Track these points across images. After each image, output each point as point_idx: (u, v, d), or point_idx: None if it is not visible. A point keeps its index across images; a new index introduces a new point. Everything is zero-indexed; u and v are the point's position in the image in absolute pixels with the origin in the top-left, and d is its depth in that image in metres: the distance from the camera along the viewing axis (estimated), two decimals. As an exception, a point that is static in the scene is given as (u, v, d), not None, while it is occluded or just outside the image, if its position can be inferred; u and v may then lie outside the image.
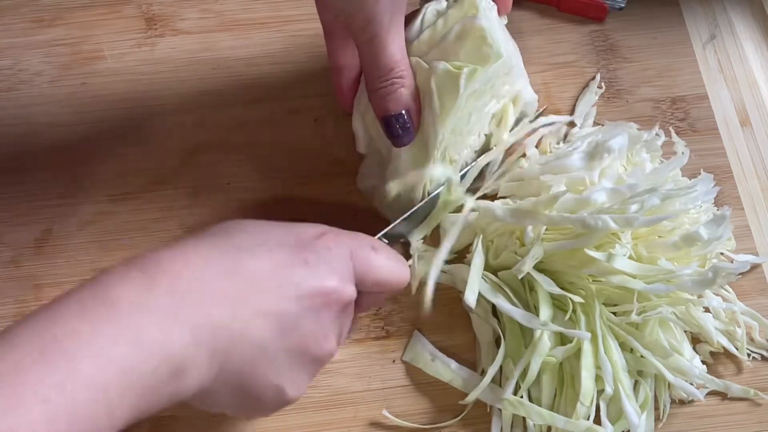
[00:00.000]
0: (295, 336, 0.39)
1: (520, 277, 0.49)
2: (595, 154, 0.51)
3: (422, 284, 0.48)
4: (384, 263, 0.43)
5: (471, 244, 0.52)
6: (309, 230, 0.41)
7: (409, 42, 0.49)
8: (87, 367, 0.32)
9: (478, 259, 0.49)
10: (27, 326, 0.33)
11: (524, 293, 0.51)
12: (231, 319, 0.37)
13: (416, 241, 0.53)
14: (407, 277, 0.45)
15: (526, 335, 0.50)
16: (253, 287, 0.38)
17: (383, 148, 0.52)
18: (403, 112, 0.48)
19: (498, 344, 0.51)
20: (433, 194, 0.51)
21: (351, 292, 0.41)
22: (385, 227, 0.51)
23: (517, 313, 0.48)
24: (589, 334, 0.47)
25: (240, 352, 0.37)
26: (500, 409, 0.50)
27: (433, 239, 0.54)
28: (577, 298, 0.48)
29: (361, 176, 0.55)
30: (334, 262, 0.40)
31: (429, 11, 0.50)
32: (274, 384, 0.39)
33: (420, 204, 0.51)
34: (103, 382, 0.32)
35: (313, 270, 0.39)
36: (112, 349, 0.33)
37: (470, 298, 0.48)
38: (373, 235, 0.47)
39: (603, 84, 0.60)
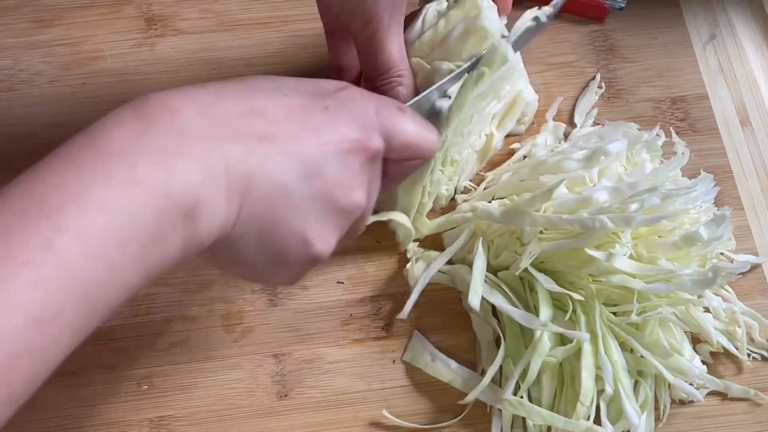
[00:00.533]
0: (320, 181, 0.36)
1: (516, 273, 0.49)
2: (592, 158, 0.51)
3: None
4: (411, 125, 0.41)
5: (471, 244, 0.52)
6: (331, 83, 0.39)
7: (410, 43, 0.49)
8: (75, 219, 0.29)
9: (480, 261, 0.49)
10: (13, 186, 0.30)
11: (524, 293, 0.51)
12: (247, 155, 0.33)
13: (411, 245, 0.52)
14: (436, 143, 0.42)
15: (526, 335, 0.50)
16: (271, 127, 0.35)
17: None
18: None
19: (498, 344, 0.51)
20: (466, 65, 0.48)
21: (377, 142, 0.38)
22: (386, 228, 0.52)
23: (516, 313, 0.48)
24: (588, 336, 0.47)
25: (260, 193, 0.34)
26: (500, 410, 0.49)
27: (431, 241, 0.54)
28: (576, 296, 0.48)
29: None
30: (357, 111, 0.38)
31: (430, 12, 0.50)
32: (299, 232, 0.36)
33: (451, 75, 0.48)
34: (97, 234, 0.29)
35: (333, 116, 0.37)
36: (104, 196, 0.30)
37: (474, 300, 0.48)
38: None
39: (603, 84, 0.60)
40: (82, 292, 0.29)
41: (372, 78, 0.47)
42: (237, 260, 0.37)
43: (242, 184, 0.34)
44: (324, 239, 0.38)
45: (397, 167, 0.42)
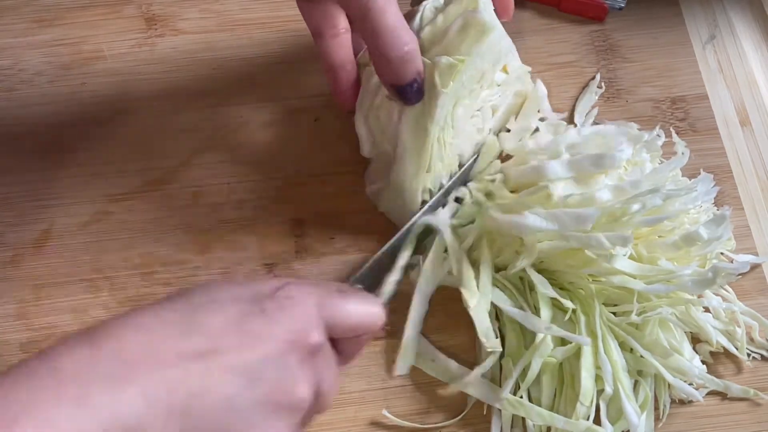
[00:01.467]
0: (262, 387, 0.37)
1: (511, 272, 0.49)
2: (599, 164, 0.50)
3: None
4: (353, 307, 0.41)
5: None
6: (269, 283, 0.40)
7: None
8: None
9: (486, 262, 0.49)
10: None
11: (525, 292, 0.51)
12: (187, 376, 0.35)
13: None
14: (381, 317, 0.43)
15: (527, 335, 0.50)
16: (209, 342, 0.36)
17: (390, 145, 0.52)
18: (416, 77, 0.47)
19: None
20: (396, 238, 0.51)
21: (316, 337, 0.39)
22: (388, 228, 0.52)
23: (520, 315, 0.48)
24: (589, 340, 0.47)
25: (202, 410, 0.36)
26: (500, 410, 0.49)
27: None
28: (569, 304, 0.48)
29: (367, 181, 0.55)
30: (294, 308, 0.39)
31: (427, 8, 0.50)
32: None
33: (382, 250, 0.50)
34: None
35: (271, 318, 0.38)
36: (57, 416, 0.32)
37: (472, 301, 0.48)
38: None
39: (603, 84, 0.60)
40: None
41: (379, 49, 0.46)
42: None
43: (183, 405, 0.35)
44: None
45: (349, 344, 0.43)
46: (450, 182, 0.53)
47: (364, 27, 0.46)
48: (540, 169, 0.50)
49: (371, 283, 0.48)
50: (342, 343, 0.42)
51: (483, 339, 0.48)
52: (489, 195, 0.53)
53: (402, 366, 0.50)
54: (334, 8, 0.50)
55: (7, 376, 0.33)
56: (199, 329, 0.37)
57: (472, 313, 0.49)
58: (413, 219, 0.51)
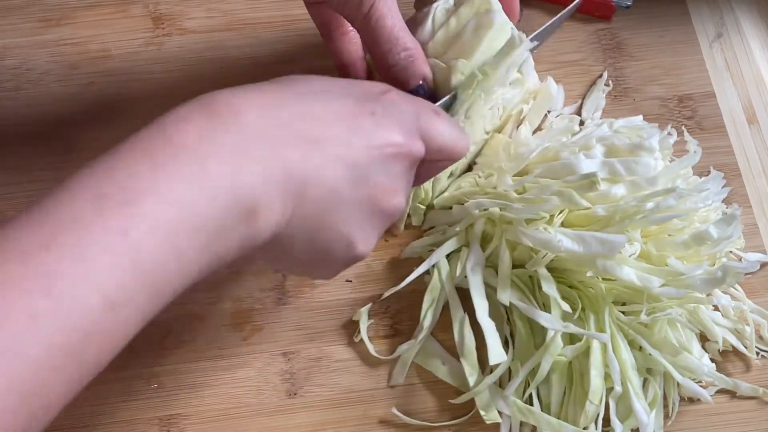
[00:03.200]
0: (367, 186, 0.38)
1: (532, 269, 0.49)
2: (636, 150, 0.50)
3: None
4: (447, 129, 0.42)
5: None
6: (375, 86, 0.41)
7: (423, 44, 0.49)
8: (150, 210, 0.31)
9: (506, 258, 0.49)
10: (88, 172, 0.32)
11: (534, 290, 0.51)
12: (303, 160, 0.35)
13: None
14: (468, 147, 0.44)
15: (536, 335, 0.50)
16: (324, 132, 0.37)
17: None
18: (421, 82, 0.47)
19: (506, 344, 0.51)
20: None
21: (419, 147, 0.40)
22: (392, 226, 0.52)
23: (535, 313, 0.48)
24: (608, 336, 0.47)
25: (313, 196, 0.36)
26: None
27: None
28: (567, 307, 0.48)
29: None
30: (401, 116, 0.39)
31: (438, 11, 0.50)
32: (345, 234, 0.38)
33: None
34: (168, 225, 0.31)
35: (380, 122, 0.38)
36: (177, 190, 0.32)
37: (503, 297, 0.49)
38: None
39: (610, 82, 0.60)
40: (151, 279, 0.31)
41: (382, 56, 0.47)
42: (284, 256, 0.39)
43: (297, 187, 0.35)
44: (366, 241, 0.40)
45: (428, 167, 0.43)
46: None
47: (365, 35, 0.46)
48: (572, 164, 0.49)
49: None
50: (422, 164, 0.42)
51: (490, 356, 0.48)
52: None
53: (397, 378, 0.51)
54: None
55: (125, 149, 0.33)
56: (314, 116, 0.37)
57: (479, 320, 0.49)
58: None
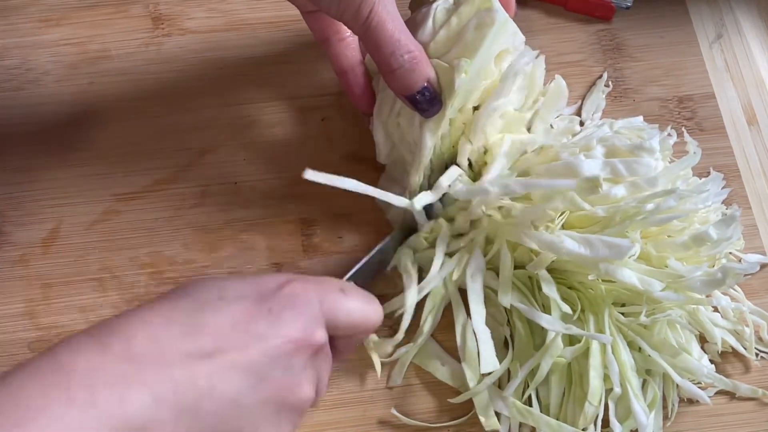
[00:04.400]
0: (267, 387, 0.37)
1: (533, 270, 0.49)
2: (637, 151, 0.50)
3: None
4: (354, 305, 0.42)
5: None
6: (272, 280, 0.40)
7: (424, 44, 0.49)
8: None
9: (507, 261, 0.49)
10: None
11: (534, 291, 0.51)
12: (194, 376, 0.35)
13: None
14: (380, 316, 0.44)
15: (536, 336, 0.50)
16: (216, 342, 0.36)
17: (407, 152, 0.52)
18: (426, 84, 0.47)
19: (506, 345, 0.51)
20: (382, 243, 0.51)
21: (320, 336, 0.39)
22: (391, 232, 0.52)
23: (536, 315, 0.48)
24: (609, 338, 0.47)
25: (209, 410, 0.36)
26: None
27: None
28: (567, 309, 0.48)
29: (380, 188, 0.55)
30: (299, 308, 0.39)
31: (438, 10, 0.50)
32: None
33: (377, 248, 0.50)
34: None
35: (277, 318, 0.38)
36: (66, 415, 0.32)
37: (504, 300, 0.48)
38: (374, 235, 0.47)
39: (610, 83, 0.60)
40: None
41: (384, 60, 0.47)
42: None
43: (190, 405, 0.35)
44: None
45: (345, 343, 0.43)
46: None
47: (366, 40, 0.46)
48: (573, 165, 0.49)
49: (363, 283, 0.48)
50: (338, 341, 0.42)
51: (482, 364, 0.48)
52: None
53: (395, 379, 0.51)
54: None
55: (16, 375, 0.34)
56: (206, 329, 0.37)
57: (475, 327, 0.49)
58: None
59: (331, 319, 0.40)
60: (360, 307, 0.42)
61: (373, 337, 0.51)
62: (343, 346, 0.43)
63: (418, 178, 0.52)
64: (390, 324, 0.53)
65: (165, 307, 0.37)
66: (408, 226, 0.53)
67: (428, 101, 0.48)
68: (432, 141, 0.50)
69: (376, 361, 0.51)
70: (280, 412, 0.39)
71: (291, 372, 0.38)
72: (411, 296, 0.50)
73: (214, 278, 0.40)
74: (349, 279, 0.48)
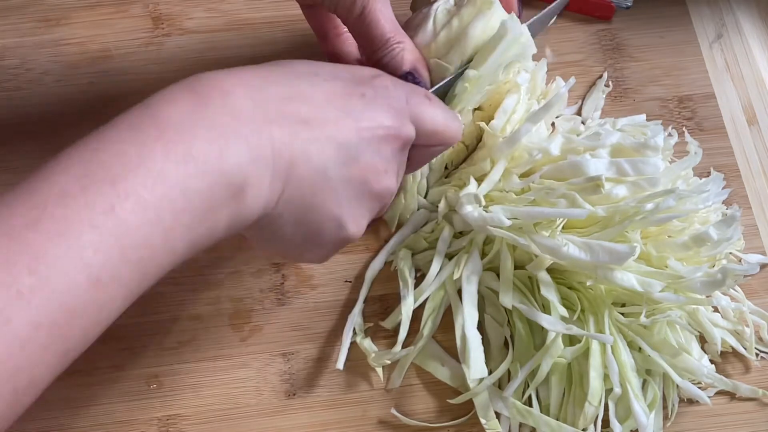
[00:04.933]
0: (356, 166, 0.38)
1: (533, 271, 0.49)
2: (642, 149, 0.50)
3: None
4: (439, 113, 0.42)
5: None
6: (366, 69, 0.41)
7: (425, 45, 0.49)
8: (136, 187, 0.31)
9: (507, 262, 0.49)
10: (74, 152, 0.32)
11: (534, 291, 0.51)
12: (291, 139, 0.35)
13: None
14: (460, 131, 0.44)
15: (536, 336, 0.50)
16: (312, 112, 0.36)
17: None
18: (410, 70, 0.47)
19: (506, 345, 0.51)
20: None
21: (409, 130, 0.40)
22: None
23: (537, 316, 0.48)
24: (610, 338, 0.47)
25: (301, 175, 0.36)
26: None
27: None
28: (563, 311, 0.48)
29: None
30: (391, 99, 0.40)
31: (439, 11, 0.50)
32: (335, 214, 0.38)
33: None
34: (155, 203, 0.31)
35: (370, 104, 0.39)
36: (163, 168, 0.32)
37: (505, 301, 0.48)
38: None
39: (610, 83, 0.60)
40: (137, 257, 0.31)
41: (372, 52, 0.47)
42: (274, 237, 0.39)
43: (286, 167, 0.35)
44: (357, 222, 0.40)
45: (420, 152, 0.43)
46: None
47: (359, 36, 0.47)
48: (579, 165, 0.49)
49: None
50: (415, 150, 0.42)
51: (465, 369, 0.49)
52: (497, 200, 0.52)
53: (394, 381, 0.51)
54: None
55: (111, 129, 0.33)
56: (303, 97, 0.37)
57: (466, 332, 0.49)
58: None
59: (416, 119, 0.41)
60: (443, 116, 0.43)
61: (373, 347, 0.51)
62: (419, 156, 0.44)
63: (413, 176, 0.52)
64: (390, 334, 0.53)
65: (262, 71, 0.37)
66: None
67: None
68: None
69: (378, 369, 0.51)
70: (363, 194, 0.39)
71: (379, 158, 0.39)
72: (407, 307, 0.50)
73: (307, 60, 0.40)
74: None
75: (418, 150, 0.43)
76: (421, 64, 0.48)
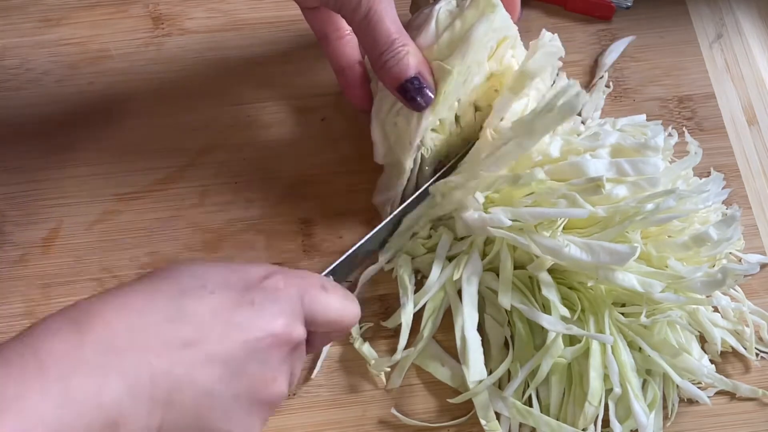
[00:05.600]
0: (243, 380, 0.37)
1: (534, 272, 0.49)
2: (643, 150, 0.50)
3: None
4: (334, 302, 0.42)
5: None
6: (256, 270, 0.40)
7: (426, 46, 0.49)
8: (12, 424, 0.31)
9: (507, 262, 0.49)
10: None
11: (534, 291, 0.51)
12: (171, 366, 0.35)
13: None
14: (357, 315, 0.43)
15: (536, 336, 0.50)
16: (196, 332, 0.36)
17: (402, 154, 0.52)
18: (416, 75, 0.47)
19: (506, 345, 0.51)
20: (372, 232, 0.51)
21: (300, 332, 0.39)
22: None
23: (538, 316, 0.48)
24: (610, 338, 0.47)
25: (184, 401, 0.35)
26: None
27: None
28: (564, 311, 0.48)
29: (377, 190, 0.55)
30: (281, 302, 0.39)
31: (441, 12, 0.50)
32: (224, 430, 0.37)
33: (358, 245, 0.50)
34: None
35: (259, 311, 0.38)
36: (40, 406, 0.31)
37: (504, 301, 0.48)
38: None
39: (611, 83, 0.60)
40: None
41: (377, 55, 0.47)
42: None
43: (165, 395, 0.35)
44: (248, 431, 0.39)
45: (320, 338, 0.43)
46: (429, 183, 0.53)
47: (363, 36, 0.47)
48: (579, 165, 0.49)
49: (342, 276, 0.49)
50: (314, 336, 0.42)
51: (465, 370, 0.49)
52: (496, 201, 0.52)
53: (394, 381, 0.51)
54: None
55: None
56: (186, 317, 0.36)
57: (465, 333, 0.49)
58: (395, 212, 0.52)
59: (310, 315, 0.40)
60: (339, 306, 0.42)
61: (372, 353, 0.51)
62: (318, 342, 0.43)
63: (408, 163, 0.52)
64: (390, 334, 0.53)
65: (145, 291, 0.37)
66: (395, 220, 0.53)
67: (418, 90, 0.48)
68: (427, 121, 0.49)
69: (381, 375, 0.51)
70: (252, 405, 0.38)
71: (267, 367, 0.38)
72: (407, 315, 0.50)
73: (194, 262, 0.40)
74: (328, 274, 0.48)
75: (317, 336, 0.42)
76: (425, 68, 0.48)
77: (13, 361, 0.33)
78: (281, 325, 0.38)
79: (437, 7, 0.50)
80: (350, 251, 0.49)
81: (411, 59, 0.47)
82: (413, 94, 0.48)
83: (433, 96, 0.48)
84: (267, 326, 0.38)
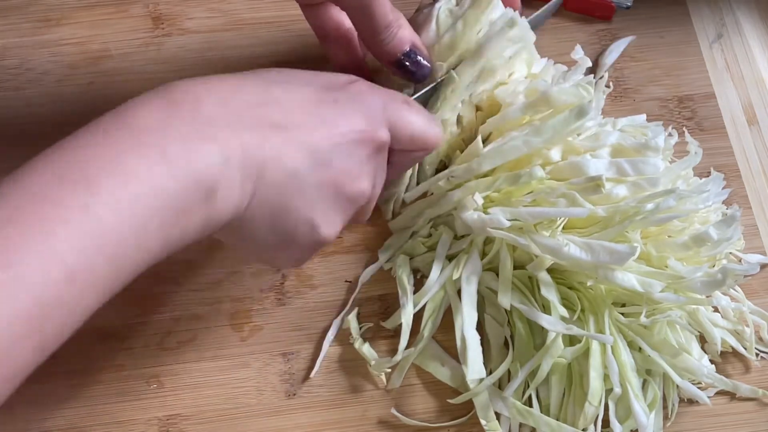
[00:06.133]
0: (328, 170, 0.38)
1: (533, 272, 0.49)
2: (643, 150, 0.50)
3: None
4: (417, 119, 0.43)
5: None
6: (340, 76, 0.41)
7: (428, 47, 0.49)
8: (110, 187, 0.32)
9: (507, 262, 0.49)
10: (50, 155, 0.33)
11: (534, 291, 0.51)
12: (262, 143, 0.36)
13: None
14: (440, 138, 0.44)
15: (536, 336, 0.50)
16: (285, 117, 0.37)
17: None
18: (408, 48, 0.48)
19: (506, 346, 0.51)
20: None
21: (384, 134, 0.40)
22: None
23: (538, 316, 0.48)
24: (611, 338, 0.47)
25: (273, 178, 0.37)
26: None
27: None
28: (563, 311, 0.48)
29: None
30: (365, 105, 0.40)
31: (442, 12, 0.49)
32: (308, 217, 0.39)
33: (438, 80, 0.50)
34: (129, 202, 0.32)
35: (343, 109, 0.39)
36: (137, 168, 0.32)
37: (504, 301, 0.48)
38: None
39: (611, 83, 0.60)
40: (112, 254, 0.32)
41: (373, 39, 0.47)
42: (248, 239, 0.39)
43: (257, 170, 0.36)
44: (330, 224, 0.40)
45: (401, 158, 0.44)
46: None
47: (360, 17, 0.47)
48: (579, 165, 0.49)
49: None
50: (395, 155, 0.43)
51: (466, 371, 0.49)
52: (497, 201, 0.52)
53: (394, 382, 0.51)
54: (337, 9, 0.51)
55: (83, 135, 0.34)
56: (275, 102, 0.37)
57: (465, 333, 0.49)
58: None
59: (393, 125, 0.41)
60: (422, 122, 0.43)
61: (372, 353, 0.51)
62: (399, 162, 0.44)
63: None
64: (390, 334, 0.53)
65: (233, 78, 0.38)
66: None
67: (415, 63, 0.48)
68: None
69: (381, 376, 0.51)
70: (336, 198, 0.39)
71: (351, 162, 0.39)
72: (407, 315, 0.50)
73: (279, 69, 0.41)
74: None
75: (398, 155, 0.43)
76: (417, 40, 0.48)
77: (108, 130, 0.34)
78: (364, 123, 0.40)
79: (437, 5, 0.50)
80: (431, 86, 0.49)
81: (405, 32, 0.48)
82: (411, 67, 0.48)
83: (429, 65, 0.49)
84: (351, 122, 0.39)
